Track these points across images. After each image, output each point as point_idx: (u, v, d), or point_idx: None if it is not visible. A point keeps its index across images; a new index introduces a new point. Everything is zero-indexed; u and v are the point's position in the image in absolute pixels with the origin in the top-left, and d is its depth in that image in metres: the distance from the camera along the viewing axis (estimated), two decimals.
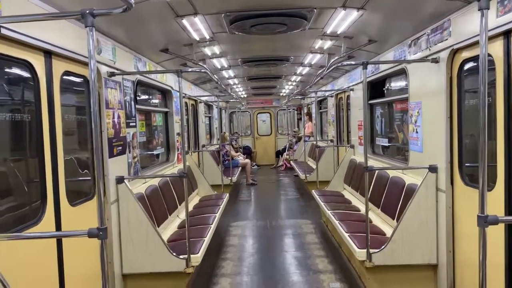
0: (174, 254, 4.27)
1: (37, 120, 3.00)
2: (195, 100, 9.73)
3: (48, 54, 3.13)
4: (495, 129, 3.22)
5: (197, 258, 4.35)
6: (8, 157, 2.96)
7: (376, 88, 6.58)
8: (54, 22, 3.10)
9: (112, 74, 4.23)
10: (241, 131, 16.54)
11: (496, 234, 3.18)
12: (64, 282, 3.21)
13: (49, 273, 3.09)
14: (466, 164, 3.86)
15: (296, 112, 16.59)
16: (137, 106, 5.08)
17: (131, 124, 4.78)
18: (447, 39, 3.87)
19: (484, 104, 2.12)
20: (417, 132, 4.66)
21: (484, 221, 2.08)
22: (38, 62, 3.00)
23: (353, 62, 6.02)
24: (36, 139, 3.00)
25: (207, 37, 5.09)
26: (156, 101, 6.79)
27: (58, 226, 3.17)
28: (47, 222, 3.00)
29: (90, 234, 2.07)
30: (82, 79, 3.76)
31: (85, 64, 3.69)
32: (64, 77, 3.40)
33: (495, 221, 2.08)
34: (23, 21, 2.57)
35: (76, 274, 3.42)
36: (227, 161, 10.70)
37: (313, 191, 7.53)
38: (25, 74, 2.95)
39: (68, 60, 3.41)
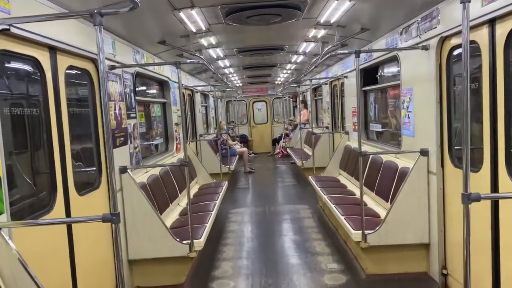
0: (178, 240, 4.44)
1: (45, 113, 3.13)
2: (192, 90, 9.83)
3: (53, 50, 3.25)
4: (482, 113, 3.38)
5: (200, 243, 4.53)
6: (22, 150, 3.10)
7: (369, 75, 6.72)
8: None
9: (112, 67, 4.35)
10: (237, 120, 16.64)
11: (483, 213, 3.37)
12: (75, 267, 3.38)
13: (61, 259, 3.25)
14: (456, 147, 4.03)
15: (291, 100, 16.70)
16: (136, 98, 5.20)
17: (131, 115, 4.91)
18: (436, 27, 4.01)
19: (467, 88, 2.27)
20: (409, 117, 4.82)
21: (468, 198, 2.25)
22: (44, 58, 3.12)
23: (346, 51, 6.14)
24: (45, 132, 3.14)
25: (204, 28, 5.19)
26: (154, 92, 6.90)
27: (68, 215, 3.32)
28: (58, 211, 3.16)
29: (105, 219, 2.23)
30: (85, 73, 3.87)
31: (87, 59, 3.82)
32: (68, 71, 3.52)
33: (477, 198, 2.24)
34: (34, 21, 2.68)
35: (86, 260, 3.58)
36: (224, 150, 10.84)
37: (309, 177, 7.71)
38: (32, 69, 3.08)
39: (71, 55, 3.53)
